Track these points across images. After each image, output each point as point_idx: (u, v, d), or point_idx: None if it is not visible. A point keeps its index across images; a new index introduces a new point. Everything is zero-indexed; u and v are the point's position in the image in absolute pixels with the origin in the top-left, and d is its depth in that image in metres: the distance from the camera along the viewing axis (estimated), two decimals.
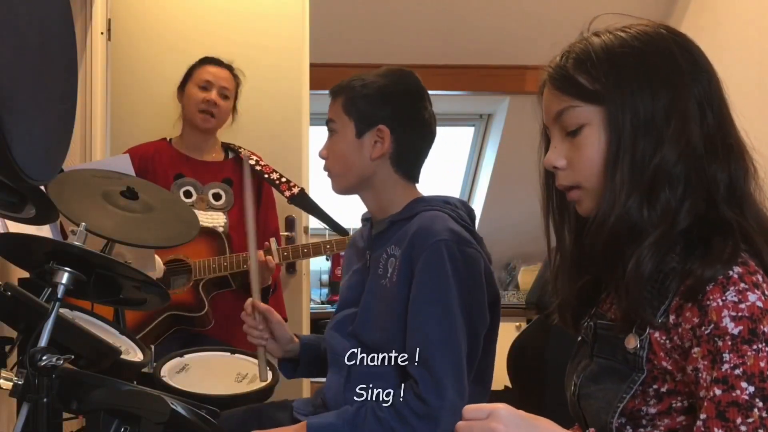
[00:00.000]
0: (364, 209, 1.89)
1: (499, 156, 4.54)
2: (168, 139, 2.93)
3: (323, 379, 1.85)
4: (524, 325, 4.44)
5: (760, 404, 0.99)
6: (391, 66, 1.81)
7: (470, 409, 1.05)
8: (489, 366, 1.77)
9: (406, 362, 1.63)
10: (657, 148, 1.10)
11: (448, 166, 4.77)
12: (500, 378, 2.01)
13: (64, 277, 1.44)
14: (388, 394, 1.63)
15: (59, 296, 1.44)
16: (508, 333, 1.77)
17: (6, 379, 1.36)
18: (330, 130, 1.80)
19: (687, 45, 1.16)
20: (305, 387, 3.25)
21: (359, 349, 1.72)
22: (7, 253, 1.68)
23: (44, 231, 2.07)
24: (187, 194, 2.82)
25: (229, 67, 2.90)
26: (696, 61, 1.14)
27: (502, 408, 1.02)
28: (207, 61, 2.89)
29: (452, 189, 4.86)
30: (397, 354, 1.66)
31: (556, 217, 1.26)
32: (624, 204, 1.10)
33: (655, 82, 1.11)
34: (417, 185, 1.82)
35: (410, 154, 1.77)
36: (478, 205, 4.79)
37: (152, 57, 3.18)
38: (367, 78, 1.77)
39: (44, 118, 1.25)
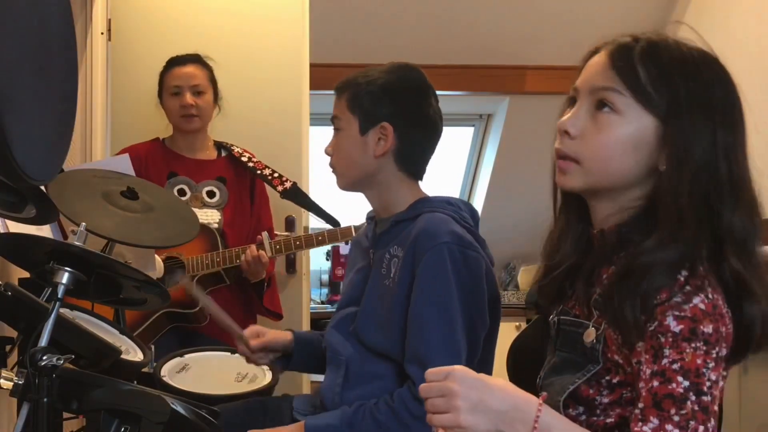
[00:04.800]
0: (364, 208, 1.89)
1: (499, 156, 4.54)
2: (161, 139, 2.93)
3: (322, 377, 1.85)
4: (524, 325, 4.43)
5: (693, 398, 1.05)
6: (396, 62, 1.80)
7: (430, 372, 1.11)
8: (488, 367, 1.77)
9: (405, 362, 1.63)
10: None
11: (448, 166, 4.77)
12: (500, 378, 2.01)
13: (65, 277, 1.44)
14: (386, 396, 1.64)
15: (59, 296, 1.43)
16: (508, 333, 1.76)
17: (6, 378, 1.36)
18: (335, 128, 1.79)
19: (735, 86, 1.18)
20: (305, 384, 3.25)
21: (359, 349, 1.72)
22: (7, 253, 1.68)
23: (44, 231, 2.07)
24: (181, 192, 2.82)
25: (194, 60, 2.86)
26: (741, 105, 1.18)
27: (458, 369, 1.09)
28: (172, 63, 2.86)
29: (452, 189, 4.86)
30: (396, 355, 1.67)
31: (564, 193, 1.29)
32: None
33: (717, 121, 1.13)
34: (420, 183, 1.82)
35: (414, 152, 1.77)
36: (478, 205, 4.79)
37: (152, 57, 3.18)
38: (372, 74, 1.76)
39: (44, 118, 1.25)
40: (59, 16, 1.29)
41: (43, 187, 1.62)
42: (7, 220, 1.86)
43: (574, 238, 1.27)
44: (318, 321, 3.58)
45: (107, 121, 3.05)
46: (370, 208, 1.86)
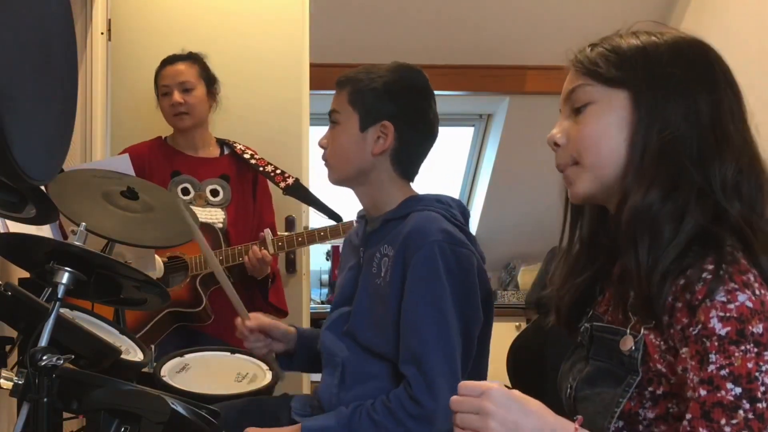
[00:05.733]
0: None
1: (499, 156, 4.54)
2: (163, 138, 2.93)
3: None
4: (524, 325, 4.44)
5: (747, 405, 0.98)
6: (399, 62, 1.80)
7: (465, 385, 1.06)
8: (483, 365, 1.77)
9: (401, 363, 1.63)
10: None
11: (448, 166, 4.77)
12: (500, 378, 2.01)
13: (65, 277, 1.44)
14: (383, 397, 1.64)
15: (59, 296, 1.43)
16: (508, 333, 1.77)
17: (6, 378, 1.36)
18: (332, 121, 1.78)
19: (720, 57, 1.16)
20: (305, 384, 3.25)
21: (354, 350, 1.72)
22: (7, 253, 1.68)
23: (44, 231, 2.07)
24: (185, 191, 2.82)
25: (184, 57, 2.86)
26: (727, 71, 1.15)
27: (495, 388, 1.04)
28: (163, 63, 2.86)
29: (452, 189, 4.86)
30: (391, 354, 1.67)
31: (574, 208, 1.27)
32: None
33: (692, 86, 1.11)
34: (412, 184, 1.82)
35: (411, 153, 1.77)
36: (478, 205, 4.79)
37: (152, 57, 3.18)
38: (376, 71, 1.75)
39: (44, 118, 1.25)
40: (59, 16, 1.29)
41: (43, 187, 1.62)
42: (7, 220, 1.86)
43: (605, 247, 1.23)
44: (318, 321, 3.55)
45: (107, 121, 3.05)
46: None
